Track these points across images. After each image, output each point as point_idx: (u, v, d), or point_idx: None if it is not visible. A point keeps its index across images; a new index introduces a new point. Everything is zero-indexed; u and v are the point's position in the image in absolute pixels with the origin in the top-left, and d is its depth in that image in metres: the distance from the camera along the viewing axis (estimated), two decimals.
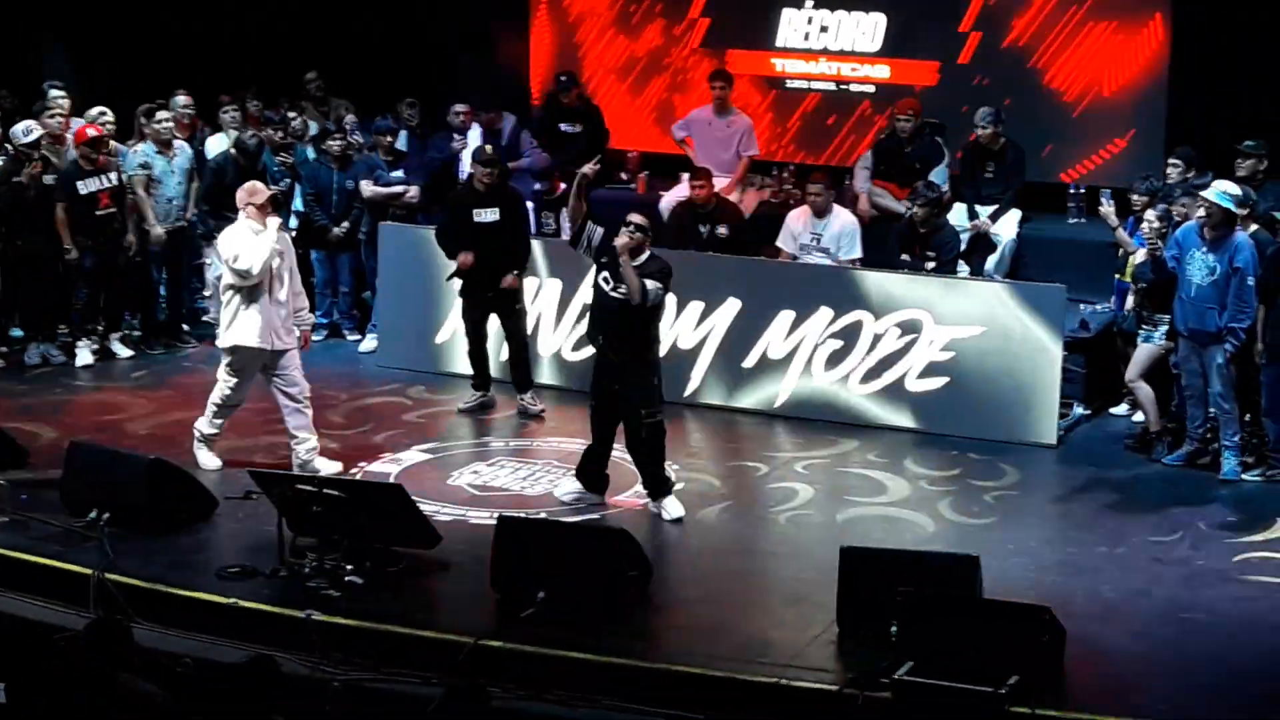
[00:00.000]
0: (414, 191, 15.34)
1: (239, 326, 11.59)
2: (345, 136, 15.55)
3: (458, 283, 13.30)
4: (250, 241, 11.52)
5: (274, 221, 11.65)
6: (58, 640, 8.06)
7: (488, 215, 13.09)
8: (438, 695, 7.49)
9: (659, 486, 11.22)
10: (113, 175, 14.38)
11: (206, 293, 15.32)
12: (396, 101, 16.41)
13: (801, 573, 10.30)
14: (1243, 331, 11.80)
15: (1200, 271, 11.84)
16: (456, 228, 13.21)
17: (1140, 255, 12.46)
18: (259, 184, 12.07)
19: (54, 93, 15.24)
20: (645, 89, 17.48)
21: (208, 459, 11.88)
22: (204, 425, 11.91)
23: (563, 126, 16.37)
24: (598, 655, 9.03)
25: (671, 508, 11.17)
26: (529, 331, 13.57)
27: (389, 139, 15.51)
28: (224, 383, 11.77)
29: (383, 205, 15.24)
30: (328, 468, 11.75)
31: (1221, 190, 11.88)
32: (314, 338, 15.49)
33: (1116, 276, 13.17)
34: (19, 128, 14.40)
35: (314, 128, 16.45)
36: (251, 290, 11.52)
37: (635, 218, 11.04)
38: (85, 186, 14.21)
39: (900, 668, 8.51)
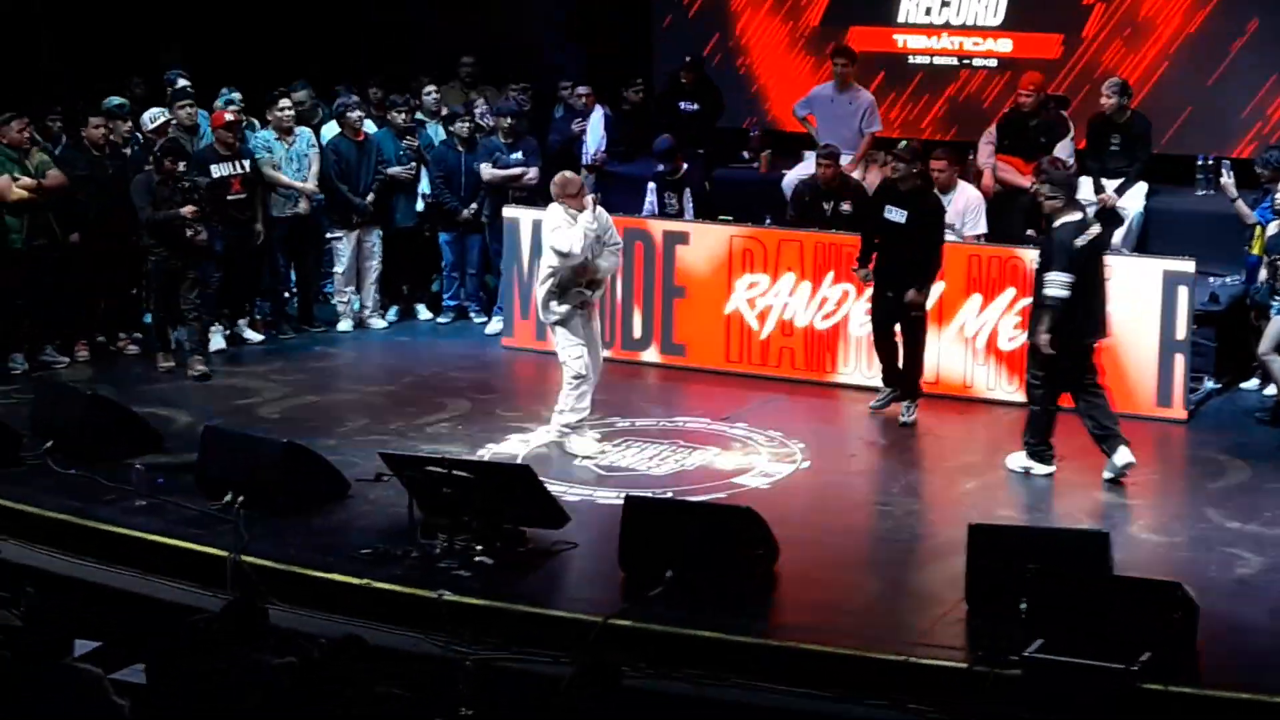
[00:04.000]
0: (533, 174, 15.42)
1: (548, 304, 11.90)
2: (473, 119, 15.67)
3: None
4: (566, 225, 11.75)
5: (589, 202, 11.87)
6: (195, 622, 8.19)
7: (896, 215, 12.61)
8: (568, 674, 7.53)
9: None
10: (245, 162, 14.58)
11: (337, 268, 15.49)
12: (505, 86, 16.54)
13: (929, 550, 10.28)
14: None
15: None
16: (869, 221, 12.91)
17: (1272, 228, 12.29)
18: (567, 174, 12.18)
19: (181, 81, 15.48)
20: (768, 66, 17.44)
21: (583, 444, 12.06)
22: (565, 416, 12.05)
23: (681, 105, 16.39)
24: (725, 634, 9.05)
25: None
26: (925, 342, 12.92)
27: (509, 121, 15.58)
28: (564, 364, 12.03)
29: (502, 188, 15.35)
30: (580, 447, 12.01)
31: None
32: (441, 320, 15.75)
33: (1246, 250, 13.00)
34: (146, 115, 14.66)
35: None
36: (559, 272, 11.79)
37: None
38: (218, 170, 14.41)
39: (1030, 645, 8.47)
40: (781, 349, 13.88)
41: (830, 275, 13.70)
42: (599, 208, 11.95)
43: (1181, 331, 12.54)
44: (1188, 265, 12.55)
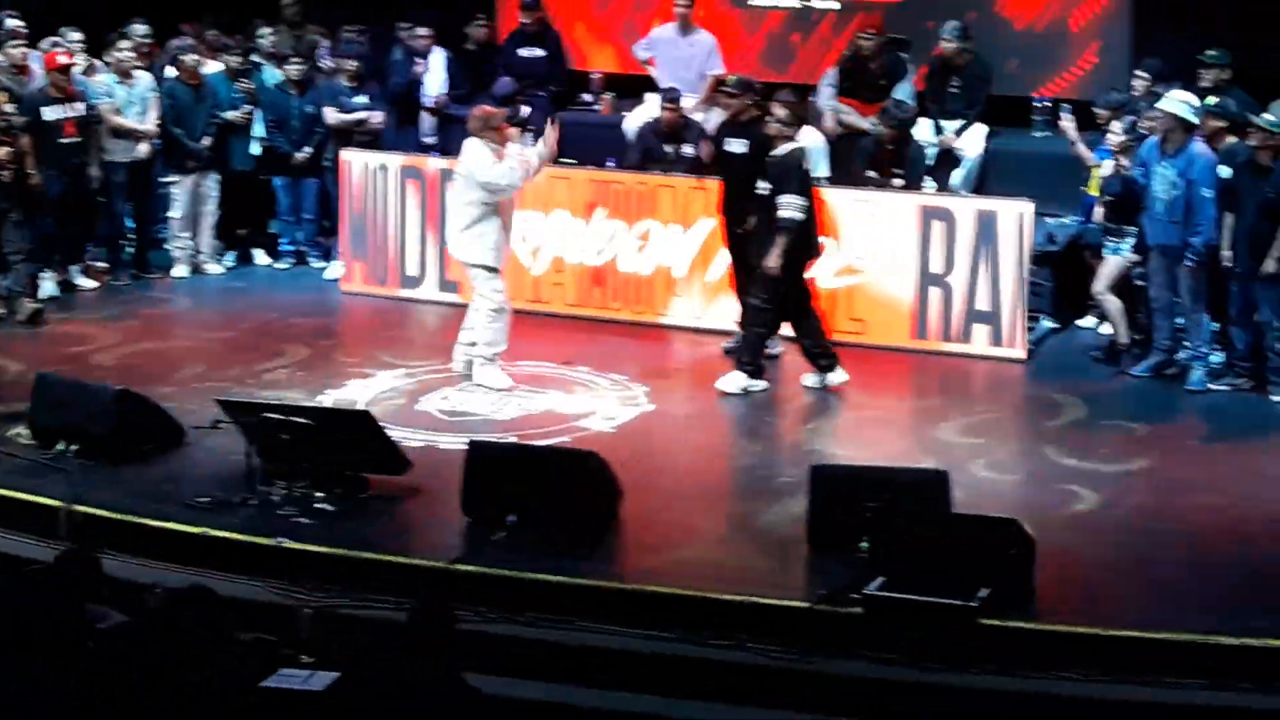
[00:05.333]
0: (379, 117, 15.25)
1: (475, 244, 11.86)
2: (305, 62, 15.45)
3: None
4: (495, 160, 11.75)
5: (514, 135, 11.94)
6: (28, 572, 8.04)
7: (737, 146, 12.59)
8: (405, 619, 7.47)
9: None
10: (79, 105, 14.26)
11: (173, 214, 15.19)
12: (341, 27, 16.31)
13: (772, 491, 10.31)
14: (1201, 245, 11.78)
15: (1163, 185, 11.83)
16: (717, 155, 12.94)
17: (1106, 168, 12.45)
18: (488, 108, 12.23)
19: (11, 22, 15.06)
20: (608, 8, 17.33)
21: (497, 376, 12.03)
22: (484, 349, 12.04)
23: (521, 51, 16.20)
24: (569, 577, 9.03)
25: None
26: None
27: (352, 64, 15.37)
28: (483, 297, 11.99)
29: (345, 132, 15.14)
30: (493, 378, 12.02)
31: (1176, 99, 11.87)
32: (279, 265, 15.53)
33: (1083, 190, 13.16)
34: None
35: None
36: (490, 209, 11.76)
37: None
38: (51, 113, 14.08)
39: (871, 583, 8.54)
40: (553, 285, 13.94)
41: (601, 212, 13.74)
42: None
43: (1020, 271, 12.66)
44: (1026, 206, 12.68)
